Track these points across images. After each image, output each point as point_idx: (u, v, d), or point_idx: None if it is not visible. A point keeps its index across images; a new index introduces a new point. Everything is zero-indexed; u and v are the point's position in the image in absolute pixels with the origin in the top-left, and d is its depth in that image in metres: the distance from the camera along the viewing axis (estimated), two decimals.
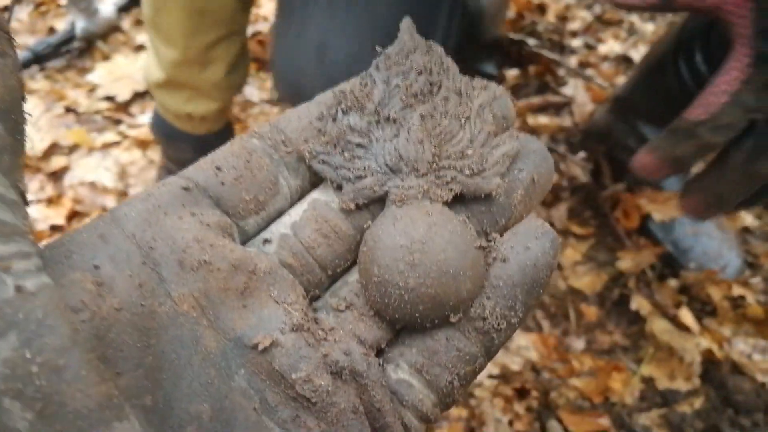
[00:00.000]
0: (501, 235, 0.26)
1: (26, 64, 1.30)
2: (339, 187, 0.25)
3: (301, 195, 0.26)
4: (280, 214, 0.26)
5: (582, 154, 1.25)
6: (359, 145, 0.26)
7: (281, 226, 0.25)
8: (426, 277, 0.23)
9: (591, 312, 1.05)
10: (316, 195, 0.26)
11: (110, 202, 1.09)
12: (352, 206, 0.25)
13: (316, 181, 0.26)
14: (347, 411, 0.21)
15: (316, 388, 0.21)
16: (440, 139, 0.26)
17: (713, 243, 1.08)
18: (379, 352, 0.25)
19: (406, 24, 0.28)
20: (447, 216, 0.24)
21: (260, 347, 0.21)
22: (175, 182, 0.24)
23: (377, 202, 0.25)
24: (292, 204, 0.26)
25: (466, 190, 0.25)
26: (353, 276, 0.26)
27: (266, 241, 0.25)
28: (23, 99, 0.22)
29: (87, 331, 0.19)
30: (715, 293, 1.05)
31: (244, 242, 0.25)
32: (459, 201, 0.25)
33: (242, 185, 0.24)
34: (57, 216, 1.05)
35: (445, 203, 0.25)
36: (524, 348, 0.98)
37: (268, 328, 0.21)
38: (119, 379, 0.19)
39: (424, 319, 0.23)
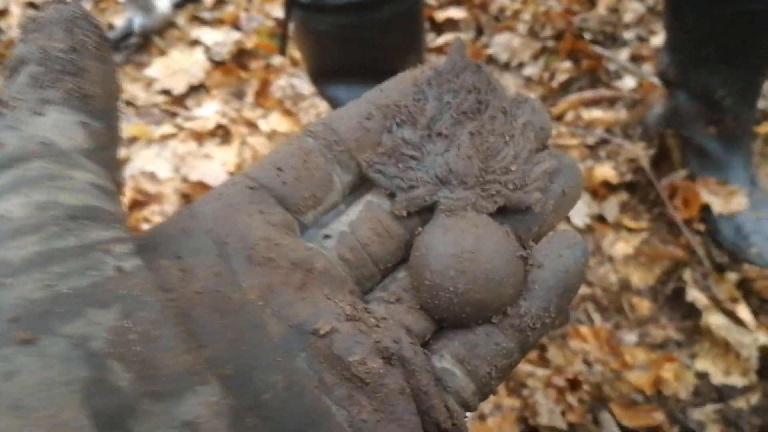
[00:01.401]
0: (536, 243, 0.28)
1: None
2: (392, 195, 0.28)
3: (352, 190, 0.29)
4: (334, 206, 0.28)
5: (641, 144, 1.24)
6: (412, 157, 0.28)
7: (340, 225, 0.27)
8: (474, 284, 0.25)
9: (644, 305, 1.04)
10: (370, 197, 0.28)
11: (168, 191, 1.12)
12: (404, 213, 0.28)
13: (365, 176, 0.28)
14: (395, 392, 0.23)
15: (369, 370, 0.23)
16: (487, 155, 0.28)
17: None
18: (425, 344, 0.27)
19: (458, 44, 0.30)
20: (493, 227, 0.27)
21: (321, 332, 0.23)
22: (242, 182, 0.26)
23: (427, 210, 0.28)
24: (344, 198, 0.28)
25: (509, 202, 0.28)
26: (402, 273, 0.28)
27: (326, 236, 0.27)
28: (119, 100, 0.24)
29: (175, 308, 0.21)
30: None
31: (303, 233, 0.27)
32: (500, 211, 0.28)
33: (301, 184, 0.26)
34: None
35: (490, 214, 0.27)
36: (575, 340, 0.97)
37: (326, 317, 0.24)
38: (203, 351, 0.21)
39: (469, 319, 0.26)
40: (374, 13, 0.86)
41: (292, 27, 0.92)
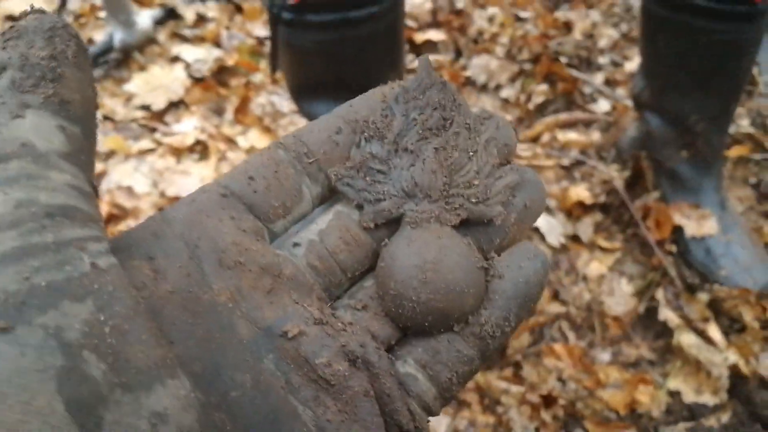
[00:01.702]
0: (498, 255, 0.29)
1: None
2: (360, 207, 0.29)
3: (321, 201, 0.30)
4: (303, 217, 0.29)
5: (615, 166, 1.27)
6: (379, 171, 0.29)
7: (309, 233, 0.28)
8: (436, 293, 0.26)
9: (617, 325, 1.05)
10: (339, 207, 0.29)
11: (145, 206, 1.12)
12: (372, 225, 0.28)
13: (334, 188, 0.29)
14: (360, 394, 0.24)
15: (335, 372, 0.24)
16: (451, 169, 0.29)
17: (745, 252, 1.08)
18: (389, 349, 0.28)
19: (424, 62, 0.31)
20: (455, 239, 0.28)
21: (290, 334, 0.24)
22: (214, 189, 0.27)
23: (394, 222, 0.29)
24: (313, 208, 0.29)
25: (471, 215, 0.29)
26: (369, 281, 0.29)
27: (296, 244, 0.28)
28: (96, 107, 0.25)
29: (146, 305, 0.22)
30: (747, 313, 1.04)
31: (272, 241, 0.28)
32: (463, 224, 0.29)
33: (272, 193, 0.27)
34: None
35: (453, 227, 0.28)
36: (550, 358, 0.98)
37: (294, 321, 0.25)
38: (173, 348, 0.22)
39: (431, 328, 0.27)
40: (355, 31, 0.87)
41: (271, 40, 0.93)
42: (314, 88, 0.97)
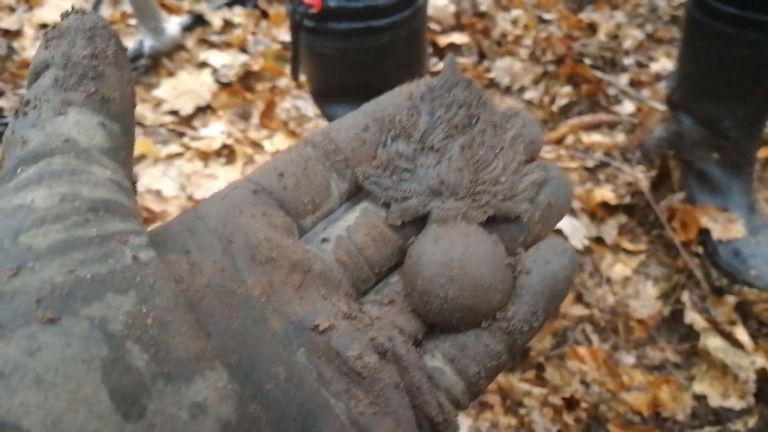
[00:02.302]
0: (525, 251, 0.29)
1: None
2: (387, 205, 0.29)
3: (348, 197, 0.30)
4: (330, 213, 0.29)
5: (640, 167, 1.26)
6: (406, 170, 0.29)
7: (338, 229, 0.29)
8: (463, 290, 0.26)
9: (641, 327, 1.04)
10: (366, 204, 0.30)
11: (173, 209, 1.14)
12: (398, 223, 0.29)
13: (361, 185, 0.30)
14: (390, 386, 0.24)
15: (366, 364, 0.24)
16: (477, 167, 0.29)
17: None
18: (416, 344, 0.28)
19: (449, 61, 0.32)
20: (482, 236, 0.28)
21: (320, 328, 0.25)
22: (245, 186, 0.28)
23: (420, 220, 0.29)
24: (341, 204, 0.30)
25: (498, 212, 0.29)
26: (395, 277, 0.29)
27: (324, 240, 0.28)
28: (134, 105, 0.26)
29: (185, 298, 0.23)
30: None
31: (301, 236, 0.28)
32: (489, 221, 0.29)
33: (301, 189, 0.28)
34: None
35: (480, 224, 0.28)
36: (573, 361, 0.98)
37: (324, 315, 0.25)
38: (210, 340, 0.23)
39: (459, 324, 0.27)
40: (376, 39, 0.89)
41: (292, 45, 0.95)
42: (336, 92, 0.99)
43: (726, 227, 1.09)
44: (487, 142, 0.30)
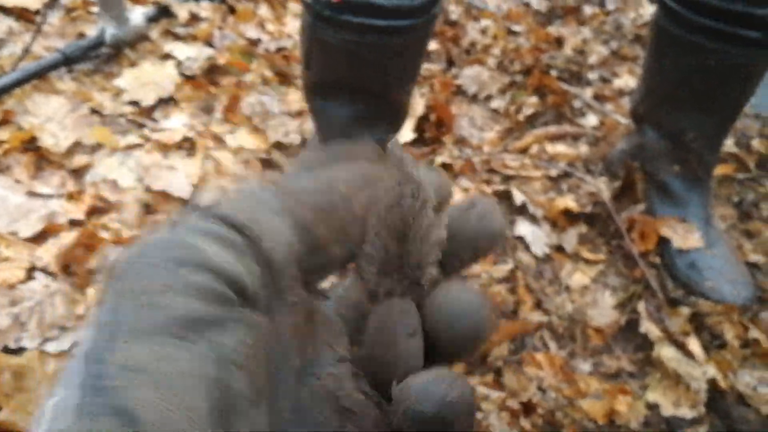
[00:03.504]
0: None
1: (56, 65, 1.34)
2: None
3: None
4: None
5: (602, 179, 1.28)
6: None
7: (336, 290, 0.32)
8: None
9: (598, 336, 1.05)
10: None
11: (129, 199, 1.11)
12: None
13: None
14: (378, 419, 0.27)
15: (356, 401, 0.27)
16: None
17: (729, 267, 1.09)
18: None
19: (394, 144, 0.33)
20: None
21: (321, 374, 0.27)
22: None
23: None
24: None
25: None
26: None
27: (326, 298, 0.31)
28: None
29: None
30: (729, 330, 1.05)
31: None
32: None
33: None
34: (77, 211, 1.07)
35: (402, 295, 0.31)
36: (530, 366, 0.98)
37: (328, 361, 0.27)
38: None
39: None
40: (389, 39, 0.89)
41: (306, 37, 0.95)
42: (332, 87, 0.99)
43: (685, 237, 1.12)
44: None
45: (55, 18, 1.53)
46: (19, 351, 0.90)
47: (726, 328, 1.06)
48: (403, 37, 0.91)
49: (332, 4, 0.85)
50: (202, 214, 0.24)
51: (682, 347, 1.02)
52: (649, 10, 1.87)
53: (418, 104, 1.39)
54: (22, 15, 1.50)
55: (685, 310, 1.07)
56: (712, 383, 0.98)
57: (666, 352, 1.02)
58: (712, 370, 0.99)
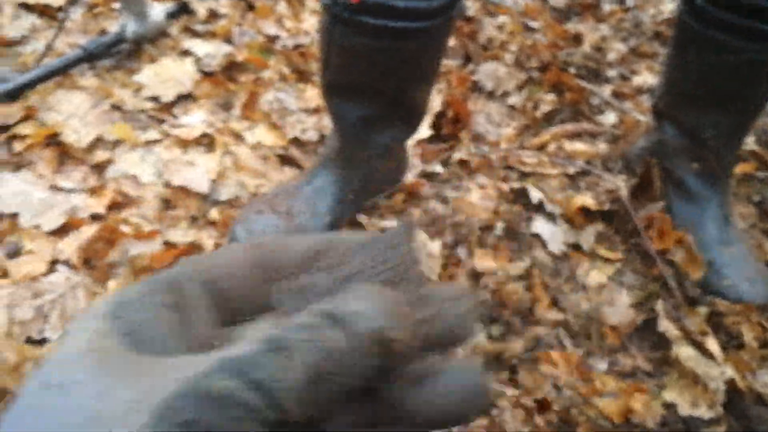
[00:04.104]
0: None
1: (77, 62, 1.36)
2: None
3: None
4: None
5: (621, 177, 1.27)
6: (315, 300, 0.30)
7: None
8: None
9: (614, 334, 1.05)
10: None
11: (149, 195, 1.12)
12: None
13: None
14: None
15: None
16: None
17: (747, 266, 1.08)
18: None
19: (403, 225, 0.31)
20: None
21: None
22: None
23: None
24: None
25: None
26: None
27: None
28: None
29: None
30: (747, 331, 1.04)
31: None
32: None
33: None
34: (98, 205, 1.09)
35: None
36: (546, 365, 0.98)
37: None
38: None
39: None
40: (406, 43, 0.90)
41: (324, 38, 0.95)
42: (349, 88, 1.00)
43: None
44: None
45: (77, 14, 1.55)
46: (41, 342, 0.91)
47: (744, 328, 1.05)
48: (420, 39, 0.91)
49: (350, 5, 0.86)
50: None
51: (699, 347, 1.02)
52: (669, 7, 1.85)
53: (434, 100, 1.40)
54: (44, 12, 1.52)
55: (703, 310, 1.06)
56: (730, 383, 0.97)
57: (684, 352, 1.01)
58: (730, 371, 0.98)
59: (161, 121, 1.29)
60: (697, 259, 1.10)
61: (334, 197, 1.09)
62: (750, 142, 1.39)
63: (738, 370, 0.99)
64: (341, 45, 0.92)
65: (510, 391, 0.91)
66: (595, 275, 1.12)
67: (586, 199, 1.22)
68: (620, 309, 1.08)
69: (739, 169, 1.31)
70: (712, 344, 1.01)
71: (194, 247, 1.03)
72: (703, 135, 1.09)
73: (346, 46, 0.92)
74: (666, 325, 1.03)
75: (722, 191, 1.15)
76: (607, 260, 1.15)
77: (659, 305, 1.06)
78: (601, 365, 1.01)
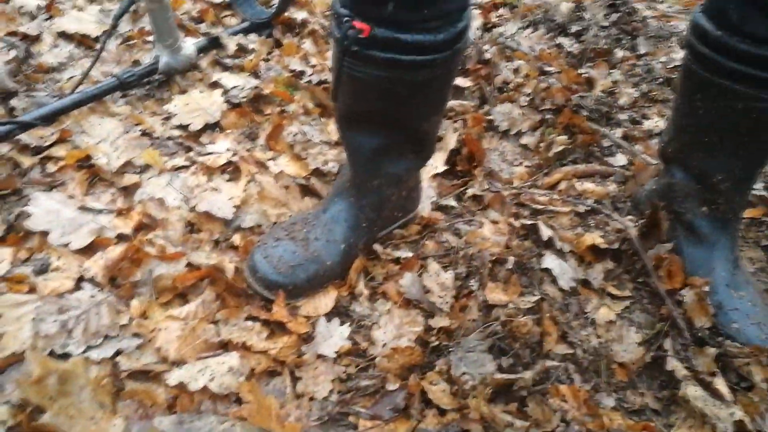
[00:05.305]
0: None
1: (111, 90, 1.42)
2: None
3: None
4: None
5: (630, 217, 1.30)
6: None
7: None
8: None
9: (623, 371, 1.06)
10: None
11: (175, 218, 1.16)
12: None
13: None
14: None
15: None
16: None
17: (756, 310, 1.09)
18: None
19: None
20: None
21: None
22: None
23: None
24: None
25: None
26: None
27: None
28: None
29: None
30: (757, 373, 1.05)
31: None
32: None
33: None
34: (125, 226, 1.13)
35: None
36: (555, 398, 0.99)
37: None
38: None
39: None
40: (414, 73, 0.93)
41: (335, 70, 0.98)
42: (363, 119, 1.03)
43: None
44: None
45: (112, 45, 1.62)
46: (64, 356, 0.94)
47: (754, 370, 1.06)
48: (428, 71, 0.93)
49: (359, 39, 0.89)
50: None
51: (708, 387, 1.02)
52: (680, 55, 1.90)
53: (450, 138, 1.44)
54: (82, 41, 1.60)
55: (711, 350, 1.07)
56: (739, 425, 0.98)
57: (692, 391, 1.02)
58: (739, 412, 0.99)
59: (189, 149, 1.34)
60: (705, 307, 1.11)
61: (348, 224, 1.12)
62: (758, 187, 1.41)
63: (747, 411, 0.99)
64: (351, 77, 0.95)
65: (519, 422, 0.93)
66: (604, 312, 1.14)
67: (596, 238, 1.24)
68: (629, 346, 1.09)
69: (748, 213, 1.33)
70: (721, 385, 1.02)
71: (216, 270, 1.07)
72: (712, 179, 1.11)
73: (355, 78, 0.95)
74: (674, 364, 1.05)
75: (732, 235, 1.17)
76: (615, 297, 1.17)
77: (668, 344, 1.08)
78: (609, 401, 1.02)
